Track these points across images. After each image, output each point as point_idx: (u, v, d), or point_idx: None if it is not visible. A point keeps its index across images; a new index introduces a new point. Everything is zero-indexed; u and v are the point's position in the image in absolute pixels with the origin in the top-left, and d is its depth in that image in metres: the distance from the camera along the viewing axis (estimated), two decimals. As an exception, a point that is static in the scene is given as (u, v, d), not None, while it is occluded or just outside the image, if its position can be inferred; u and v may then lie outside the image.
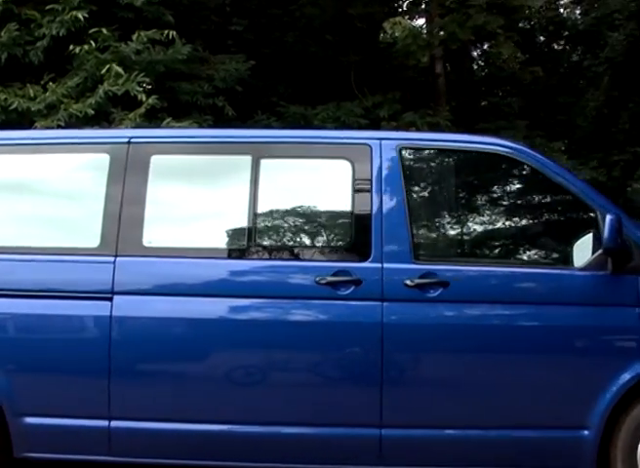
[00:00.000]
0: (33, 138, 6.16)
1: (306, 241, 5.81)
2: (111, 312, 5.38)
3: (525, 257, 5.78)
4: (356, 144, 5.67)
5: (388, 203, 5.43)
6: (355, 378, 5.37)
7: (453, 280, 5.30)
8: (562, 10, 22.97)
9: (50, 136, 6.28)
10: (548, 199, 5.86)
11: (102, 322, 5.38)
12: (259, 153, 5.64)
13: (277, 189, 5.73)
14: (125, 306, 5.40)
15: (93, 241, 5.53)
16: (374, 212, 5.42)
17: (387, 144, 5.57)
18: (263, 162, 5.60)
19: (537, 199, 5.95)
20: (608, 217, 5.12)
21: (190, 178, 5.81)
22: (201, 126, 11.03)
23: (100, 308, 5.39)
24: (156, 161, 5.63)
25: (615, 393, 5.17)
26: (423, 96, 16.50)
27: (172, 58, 11.60)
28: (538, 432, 5.25)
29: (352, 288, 5.29)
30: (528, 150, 5.71)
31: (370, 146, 5.56)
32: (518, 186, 5.99)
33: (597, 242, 5.25)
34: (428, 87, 16.76)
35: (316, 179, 5.80)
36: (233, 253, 5.62)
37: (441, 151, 5.82)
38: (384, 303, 5.27)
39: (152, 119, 10.82)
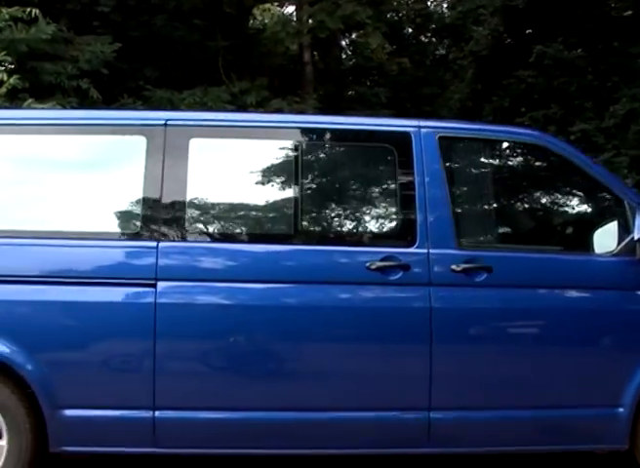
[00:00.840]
0: (65, 118, 5.84)
1: (353, 226, 5.80)
2: (155, 299, 5.17)
3: (561, 243, 5.95)
4: (396, 132, 5.68)
5: (430, 189, 5.47)
6: (405, 362, 5.36)
7: (496, 265, 5.39)
8: (430, 3, 23.38)
9: (83, 117, 5.92)
10: (580, 188, 6.02)
11: (146, 309, 5.15)
12: (301, 138, 5.63)
13: (321, 174, 5.75)
14: (169, 293, 5.20)
15: (133, 226, 5.38)
16: (417, 198, 5.45)
17: (427, 132, 5.60)
18: (306, 147, 5.64)
19: (569, 188, 6.10)
20: None
21: (232, 163, 5.63)
22: (65, 108, 10.76)
23: (143, 295, 5.18)
24: (196, 144, 5.48)
25: None
26: (291, 83, 16.55)
27: (35, 38, 11.33)
28: (581, 411, 5.45)
29: (401, 273, 5.31)
30: (560, 142, 5.99)
31: (410, 134, 5.58)
32: (552, 175, 6.12)
33: (622, 229, 5.49)
34: (296, 74, 16.82)
35: (359, 165, 5.85)
36: (280, 238, 5.54)
37: (477, 140, 5.91)
38: (432, 288, 5.32)
39: (14, 100, 10.52)
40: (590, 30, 15.82)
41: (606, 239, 5.54)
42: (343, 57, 21.00)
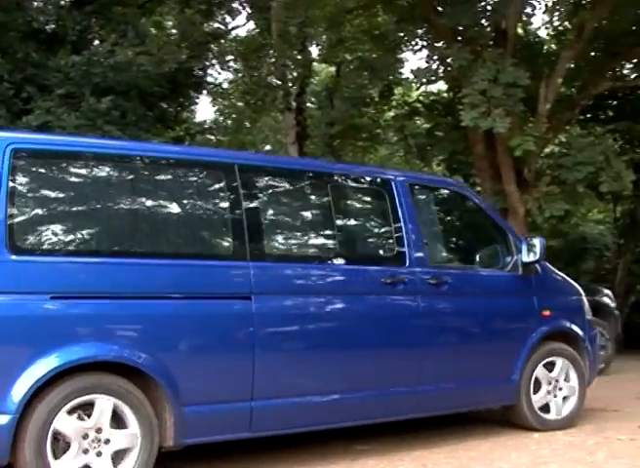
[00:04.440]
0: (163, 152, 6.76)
1: (372, 249, 7.93)
2: (252, 309, 6.41)
3: (480, 262, 8.34)
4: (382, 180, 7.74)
5: (409, 224, 7.55)
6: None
7: (451, 279, 7.67)
8: None
9: (173, 151, 7.02)
10: (483, 225, 8.55)
11: (246, 317, 6.38)
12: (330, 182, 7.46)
13: (352, 215, 7.73)
14: (262, 304, 6.45)
15: (230, 248, 6.58)
16: (403, 229, 7.50)
17: (400, 181, 7.75)
18: (333, 191, 7.40)
19: (476, 224, 8.70)
20: (539, 240, 8.20)
21: (284, 197, 7.36)
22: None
23: (242, 306, 6.39)
24: (261, 182, 7.05)
25: (527, 351, 8.21)
26: None
27: None
28: (493, 379, 8.07)
29: (402, 285, 7.32)
30: (469, 191, 8.97)
31: (390, 182, 7.72)
32: (462, 216, 9.02)
33: (502, 253, 8.28)
34: None
35: (361, 205, 8.04)
36: (330, 258, 7.21)
37: (428, 187, 8.37)
38: (419, 296, 7.45)
39: None
40: (11, 38, 15.70)
41: (497, 260, 8.27)
42: None
